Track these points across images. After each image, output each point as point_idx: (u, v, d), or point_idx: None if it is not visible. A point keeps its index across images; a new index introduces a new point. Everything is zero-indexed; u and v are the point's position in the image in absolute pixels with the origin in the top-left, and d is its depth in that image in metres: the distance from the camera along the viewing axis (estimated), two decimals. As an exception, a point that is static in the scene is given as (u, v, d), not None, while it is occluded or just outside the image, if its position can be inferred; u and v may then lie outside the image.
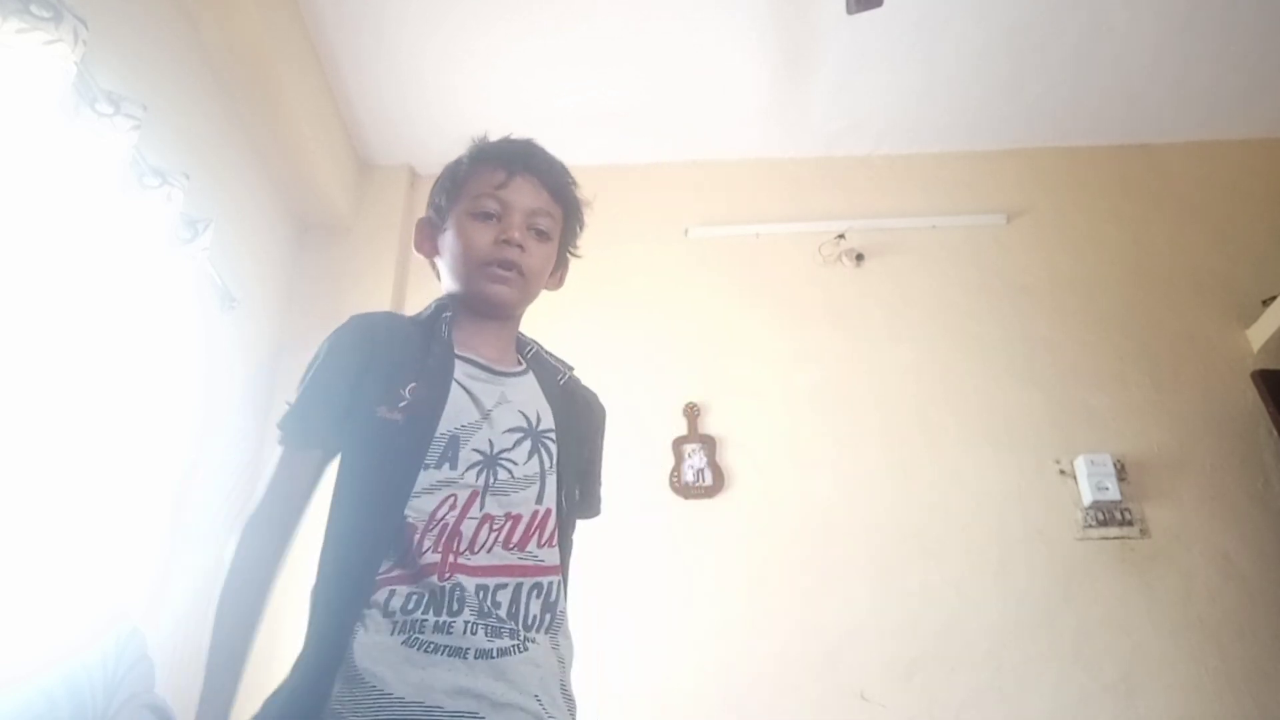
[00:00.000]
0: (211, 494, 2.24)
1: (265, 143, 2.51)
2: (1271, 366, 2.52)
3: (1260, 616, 2.25)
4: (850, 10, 2.23)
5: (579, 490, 1.20)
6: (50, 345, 1.57)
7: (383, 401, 1.05)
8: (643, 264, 2.77)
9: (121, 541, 1.75)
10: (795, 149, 2.98)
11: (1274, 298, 2.54)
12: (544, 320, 2.89)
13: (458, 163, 1.23)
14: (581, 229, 1.27)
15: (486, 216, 1.16)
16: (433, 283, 1.22)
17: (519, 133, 1.25)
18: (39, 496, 1.53)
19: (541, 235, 1.18)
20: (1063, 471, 2.45)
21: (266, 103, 2.40)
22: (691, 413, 2.58)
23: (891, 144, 2.99)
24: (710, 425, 2.58)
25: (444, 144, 3.34)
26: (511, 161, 1.19)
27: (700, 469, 2.50)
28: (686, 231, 2.85)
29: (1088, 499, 2.38)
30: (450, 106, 2.80)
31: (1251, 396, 2.50)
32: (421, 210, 1.29)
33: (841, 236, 2.78)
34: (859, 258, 2.77)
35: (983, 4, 2.51)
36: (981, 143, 2.98)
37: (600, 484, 1.28)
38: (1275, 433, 2.42)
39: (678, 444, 2.54)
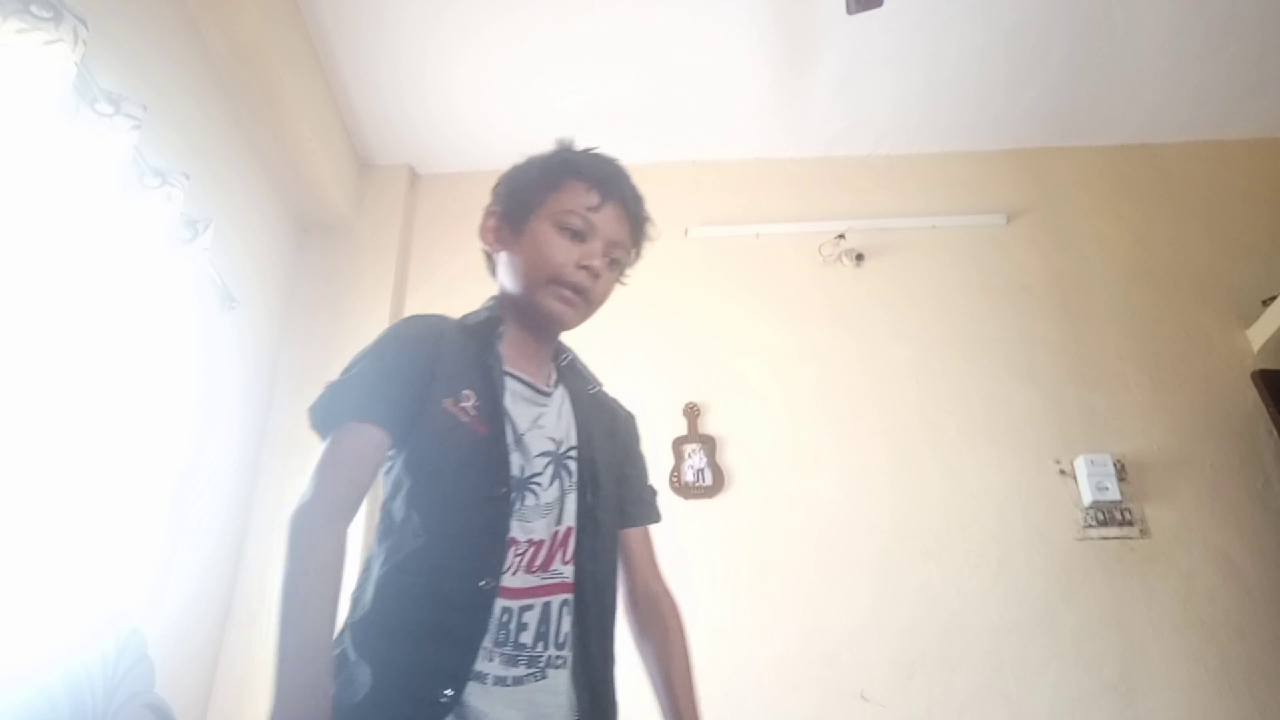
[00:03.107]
0: (211, 494, 2.25)
1: (265, 143, 2.51)
2: (1271, 366, 2.52)
3: (1260, 616, 2.25)
4: (850, 10, 2.23)
5: (622, 499, 1.19)
6: (50, 345, 1.57)
7: (448, 397, 1.03)
8: (643, 264, 2.75)
9: (121, 541, 1.74)
10: (795, 149, 2.98)
11: (1274, 298, 2.53)
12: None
13: (548, 164, 1.22)
14: (639, 259, 1.26)
15: (573, 234, 1.14)
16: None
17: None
18: (39, 496, 1.53)
19: (613, 265, 1.19)
20: (1063, 471, 2.45)
21: (266, 103, 2.40)
22: (691, 413, 2.58)
23: (892, 144, 2.99)
24: (710, 425, 2.58)
25: (444, 144, 3.37)
26: (607, 186, 1.18)
27: (700, 469, 2.50)
28: (687, 231, 2.85)
29: (1088, 499, 2.38)
30: (450, 106, 2.80)
31: (1251, 396, 2.50)
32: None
33: (841, 236, 2.78)
34: (859, 258, 2.77)
35: (983, 4, 2.51)
36: (981, 143, 2.98)
37: (649, 490, 1.28)
38: (1275, 433, 2.42)
39: (678, 444, 2.54)
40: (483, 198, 1.33)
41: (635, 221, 1.21)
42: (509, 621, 0.98)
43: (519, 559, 1.01)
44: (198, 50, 2.23)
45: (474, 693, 0.93)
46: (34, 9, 1.46)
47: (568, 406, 1.16)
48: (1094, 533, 2.36)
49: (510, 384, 1.10)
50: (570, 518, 1.07)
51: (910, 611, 2.29)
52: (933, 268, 2.79)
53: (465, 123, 2.87)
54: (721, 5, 2.50)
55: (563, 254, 1.13)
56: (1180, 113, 2.88)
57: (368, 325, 2.69)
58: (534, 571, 1.02)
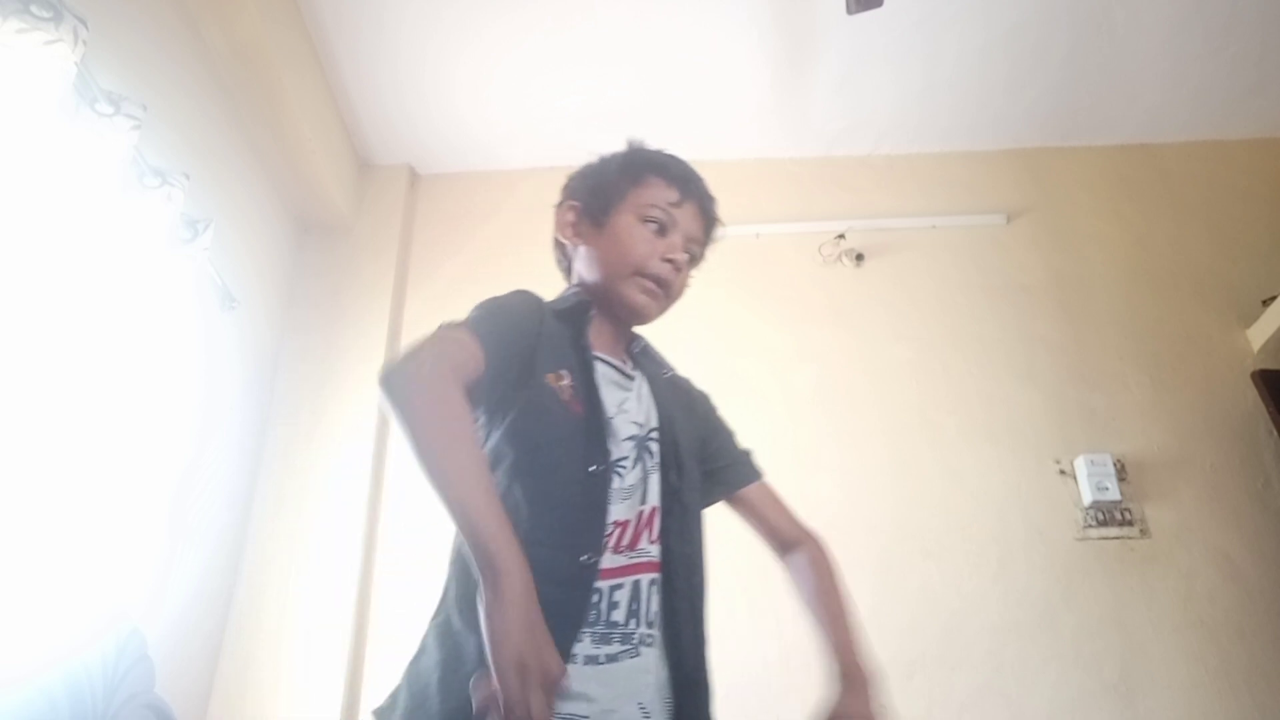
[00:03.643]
0: (211, 494, 2.25)
1: (265, 143, 2.51)
2: (1271, 366, 2.52)
3: (1260, 616, 2.25)
4: (850, 10, 2.23)
5: (712, 471, 1.24)
6: (50, 345, 1.57)
7: (550, 372, 1.05)
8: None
9: (121, 541, 1.74)
10: (795, 149, 2.98)
11: (1274, 298, 2.53)
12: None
13: (629, 160, 1.26)
14: (703, 261, 1.29)
15: (656, 227, 1.18)
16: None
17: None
18: (39, 496, 1.53)
19: (690, 261, 1.23)
20: (1063, 471, 2.45)
21: (266, 103, 2.40)
22: (691, 413, 2.58)
23: (892, 144, 2.99)
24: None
25: (444, 144, 3.37)
26: (686, 184, 1.22)
27: (700, 469, 2.50)
28: (686, 231, 2.85)
29: (1088, 499, 2.38)
30: (450, 106, 2.80)
31: (1251, 396, 2.50)
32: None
33: (841, 236, 2.78)
34: (859, 258, 2.77)
35: (983, 4, 2.51)
36: (981, 143, 2.98)
37: (743, 452, 1.33)
38: (1275, 433, 2.42)
39: (678, 444, 2.54)
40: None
41: (709, 221, 1.26)
42: (599, 601, 0.99)
43: (606, 539, 1.02)
44: (198, 50, 2.23)
45: (568, 672, 0.92)
46: (34, 9, 1.46)
47: (647, 390, 1.18)
48: (1094, 533, 2.36)
49: (600, 367, 1.12)
50: (654, 498, 1.08)
51: (910, 611, 2.29)
52: (933, 268, 2.79)
53: (465, 123, 2.87)
54: (721, 5, 2.50)
55: (646, 246, 1.17)
56: (1180, 113, 2.88)
57: (368, 325, 2.70)
58: (621, 551, 1.02)
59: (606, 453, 1.04)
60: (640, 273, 1.16)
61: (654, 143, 1.30)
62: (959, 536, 2.38)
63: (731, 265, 2.81)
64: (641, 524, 1.06)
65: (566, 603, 0.95)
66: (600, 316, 1.18)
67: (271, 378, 2.61)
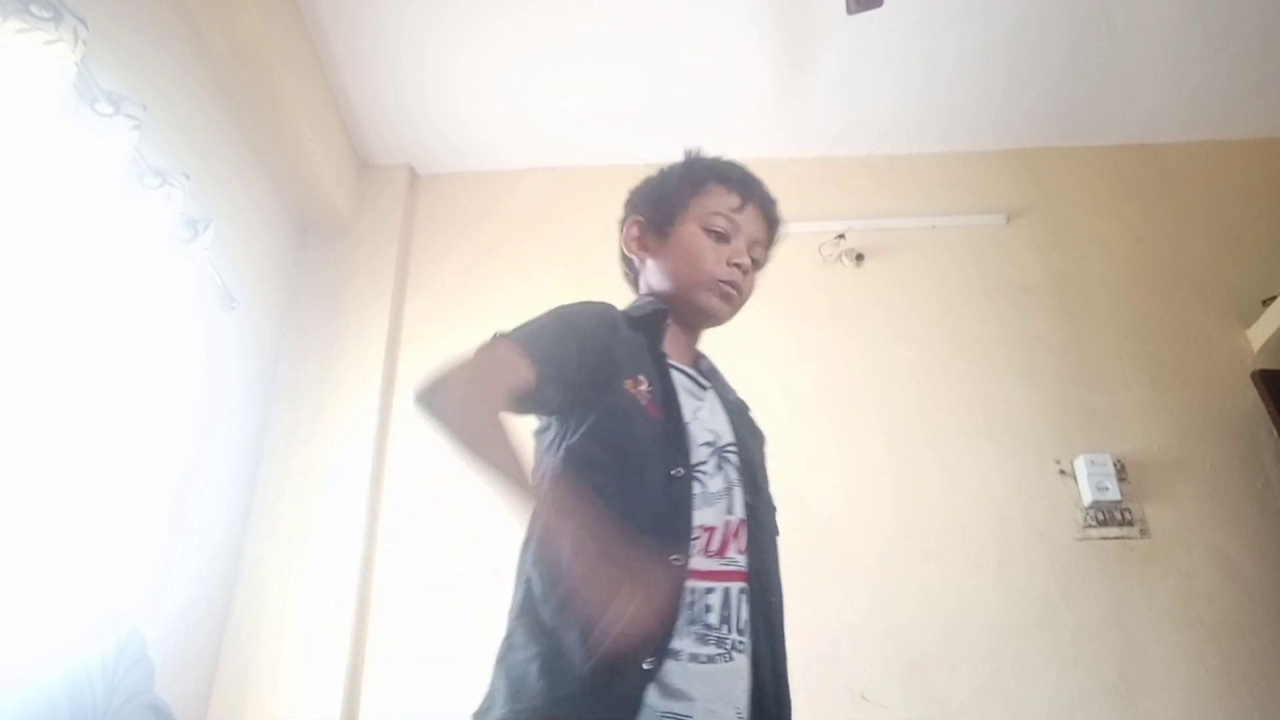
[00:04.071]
0: (211, 494, 2.25)
1: (265, 143, 2.51)
2: (1271, 366, 2.52)
3: (1260, 616, 2.25)
4: (850, 10, 2.23)
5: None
6: (50, 345, 1.57)
7: (628, 378, 1.07)
8: (643, 264, 2.76)
9: (121, 541, 1.74)
10: (795, 149, 2.98)
11: (1274, 298, 2.53)
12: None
13: (689, 170, 1.29)
14: (769, 262, 1.32)
15: (719, 236, 1.22)
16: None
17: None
18: (39, 496, 1.53)
19: (755, 264, 1.26)
20: (1063, 471, 2.45)
21: (266, 103, 2.40)
22: (691, 413, 2.58)
23: (892, 144, 2.99)
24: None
25: (444, 144, 3.37)
26: (747, 188, 1.26)
27: (700, 469, 2.50)
28: (686, 231, 2.85)
29: (1088, 499, 2.38)
30: (450, 106, 2.80)
31: (1251, 396, 2.50)
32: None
33: (841, 236, 2.78)
34: (859, 258, 2.77)
35: (983, 4, 2.51)
36: (981, 143, 2.98)
37: (772, 502, 1.26)
38: (1275, 433, 2.42)
39: (678, 444, 2.53)
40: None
41: (771, 222, 1.29)
42: (693, 602, 0.99)
43: (694, 542, 1.02)
44: (198, 50, 2.23)
45: (671, 670, 0.94)
46: (34, 9, 1.46)
47: (719, 405, 1.20)
48: (1094, 533, 2.36)
49: (676, 375, 1.14)
50: (739, 510, 1.09)
51: (910, 611, 2.29)
52: (933, 268, 2.79)
53: (465, 123, 2.87)
54: (721, 5, 2.50)
55: (713, 254, 1.21)
56: (1180, 113, 2.88)
57: (368, 325, 2.70)
58: (711, 556, 1.03)
59: (687, 456, 1.05)
60: (712, 279, 1.20)
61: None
62: (959, 536, 2.38)
63: (731, 265, 2.82)
64: (729, 532, 1.07)
65: (660, 601, 0.95)
66: (677, 328, 1.22)
67: (271, 378, 2.61)
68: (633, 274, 1.32)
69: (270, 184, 2.63)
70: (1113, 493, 2.37)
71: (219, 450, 2.29)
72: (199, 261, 2.02)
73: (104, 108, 1.68)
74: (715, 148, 3.32)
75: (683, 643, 0.96)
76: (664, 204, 1.27)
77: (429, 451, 2.57)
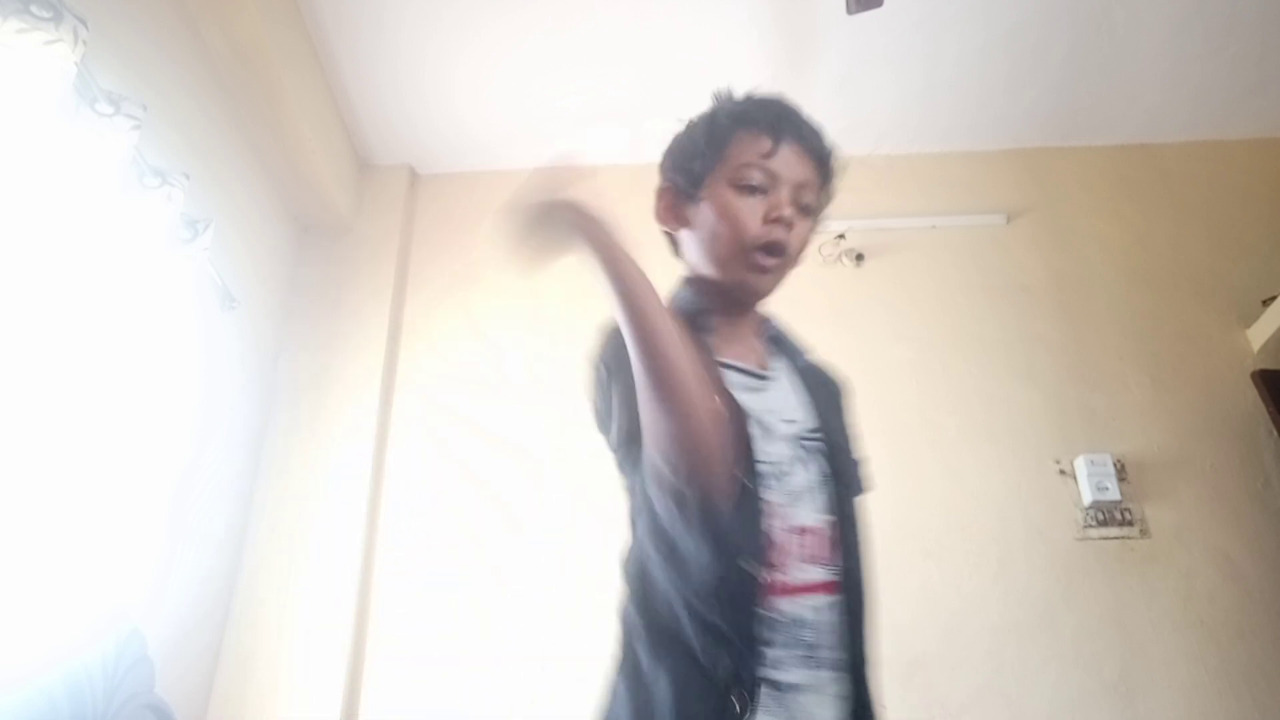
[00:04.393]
0: (211, 494, 2.25)
1: (265, 143, 2.51)
2: (1271, 366, 2.52)
3: (1260, 616, 2.25)
4: (850, 10, 2.23)
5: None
6: (50, 345, 1.57)
7: None
8: (643, 264, 2.76)
9: (121, 541, 1.74)
10: (795, 149, 2.97)
11: (1274, 298, 2.53)
12: (545, 320, 2.89)
13: (711, 123, 1.12)
14: (832, 199, 1.15)
15: (752, 190, 1.05)
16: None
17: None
18: (39, 496, 1.53)
19: (805, 210, 1.09)
20: (1063, 471, 2.45)
21: (266, 103, 2.40)
22: (691, 413, 2.57)
23: (892, 144, 2.99)
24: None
25: (444, 144, 3.36)
26: (778, 127, 1.08)
27: (700, 469, 2.49)
28: (686, 231, 2.85)
29: (1088, 499, 2.38)
30: (450, 106, 2.80)
31: (1251, 396, 2.50)
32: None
33: (841, 236, 2.78)
34: (859, 258, 2.77)
35: (983, 4, 2.51)
36: (981, 143, 2.98)
37: (858, 461, 1.16)
38: (1275, 433, 2.42)
39: (678, 444, 2.53)
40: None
41: (819, 156, 1.11)
42: (781, 619, 0.90)
43: (774, 550, 0.92)
44: (198, 50, 2.23)
45: (768, 702, 0.87)
46: (34, 9, 1.46)
47: (789, 383, 1.07)
48: (1094, 533, 2.36)
49: (729, 374, 1.01)
50: (830, 508, 0.99)
51: (910, 611, 2.29)
52: (933, 268, 2.79)
53: (465, 123, 2.87)
54: (721, 5, 2.50)
55: (748, 214, 1.04)
56: (1180, 113, 2.88)
57: (367, 325, 2.70)
58: (806, 562, 0.94)
59: (753, 462, 0.93)
60: (747, 247, 1.04)
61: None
62: (959, 536, 2.38)
63: (731, 265, 2.82)
64: (821, 536, 0.97)
65: (740, 620, 0.87)
66: (720, 309, 1.07)
67: (271, 378, 2.61)
68: (674, 248, 1.16)
69: (270, 184, 2.63)
70: (1113, 493, 2.37)
71: (219, 450, 2.29)
72: (199, 261, 2.02)
73: (104, 108, 1.68)
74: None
75: (782, 673, 0.88)
76: (687, 166, 1.10)
77: (429, 451, 2.57)
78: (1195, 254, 2.77)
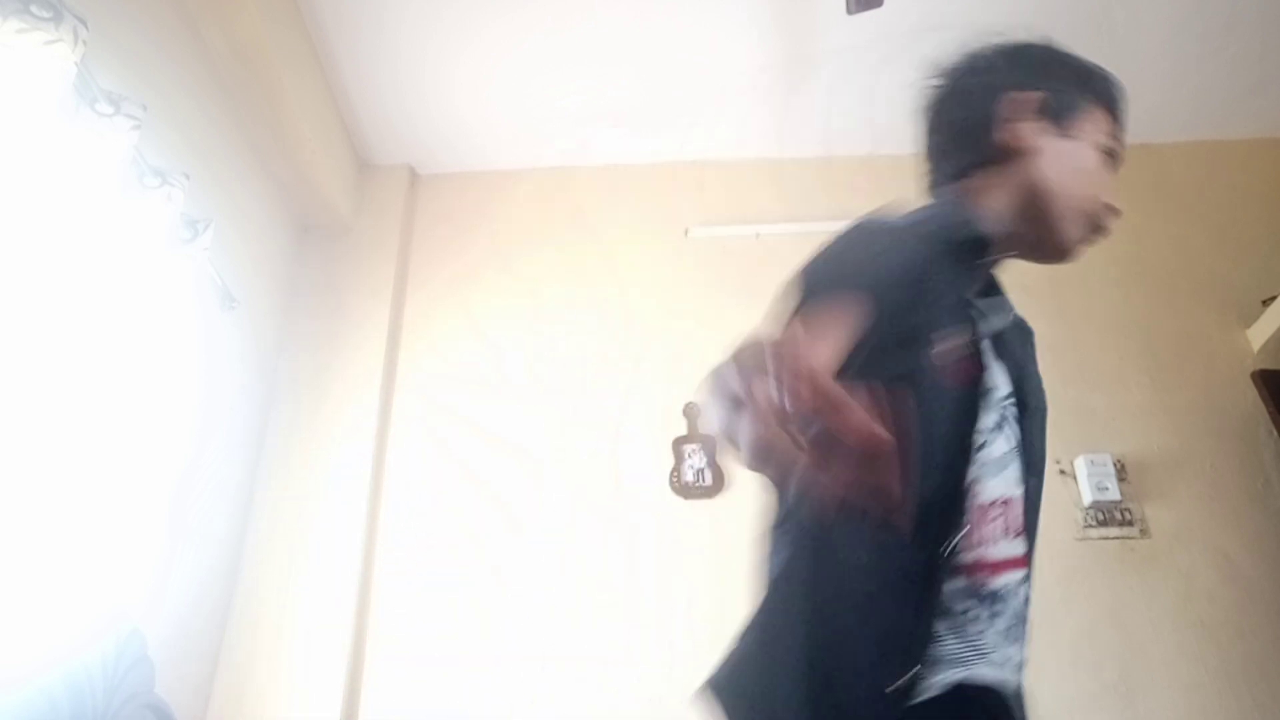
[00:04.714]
0: (211, 494, 2.25)
1: (265, 143, 2.51)
2: (1271, 366, 2.52)
3: (1260, 616, 2.25)
4: (850, 10, 2.23)
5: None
6: (50, 345, 1.57)
7: (937, 333, 0.83)
8: (642, 264, 2.77)
9: (121, 541, 1.74)
10: (795, 149, 2.98)
11: (1274, 298, 2.53)
12: (545, 320, 2.88)
13: (1084, 75, 1.05)
14: None
15: (1108, 160, 1.00)
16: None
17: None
18: (39, 496, 1.53)
19: None
20: (1063, 471, 2.45)
21: (266, 103, 2.40)
22: (692, 413, 2.58)
23: (892, 144, 2.98)
24: (711, 425, 2.58)
25: (444, 144, 3.36)
26: (1120, 112, 1.02)
27: (700, 469, 2.50)
28: (686, 231, 2.85)
29: (1088, 499, 2.38)
30: (450, 106, 2.80)
31: (1251, 396, 2.50)
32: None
33: (841, 236, 2.77)
34: (859, 258, 2.76)
35: (983, 4, 2.50)
36: (981, 143, 2.97)
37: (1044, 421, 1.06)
38: (1275, 433, 2.42)
39: (678, 444, 2.54)
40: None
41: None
42: (975, 602, 0.83)
43: (977, 523, 0.85)
44: (198, 50, 2.23)
45: (981, 654, 0.81)
46: (34, 9, 1.46)
47: (992, 345, 0.95)
48: (1094, 533, 2.36)
49: (982, 318, 0.93)
50: (1022, 480, 0.92)
51: (910, 611, 2.29)
52: (933, 268, 2.78)
53: (465, 123, 2.87)
54: (721, 5, 2.50)
55: (1103, 185, 0.98)
56: (1180, 113, 2.88)
57: (367, 325, 2.70)
58: (1010, 537, 0.88)
59: (971, 435, 0.84)
60: (1093, 214, 0.98)
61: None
62: (959, 536, 2.38)
63: (732, 265, 2.82)
64: (1022, 510, 0.90)
65: (923, 603, 0.80)
66: (1008, 251, 0.98)
67: (271, 378, 2.61)
68: (978, 157, 1.01)
69: (270, 184, 2.63)
70: (1113, 493, 2.37)
71: (219, 450, 2.29)
72: (199, 261, 2.02)
73: (104, 108, 1.68)
74: (715, 148, 3.32)
75: (977, 625, 0.82)
76: (1063, 93, 1.01)
77: (429, 451, 2.57)
78: (1195, 254, 2.77)
